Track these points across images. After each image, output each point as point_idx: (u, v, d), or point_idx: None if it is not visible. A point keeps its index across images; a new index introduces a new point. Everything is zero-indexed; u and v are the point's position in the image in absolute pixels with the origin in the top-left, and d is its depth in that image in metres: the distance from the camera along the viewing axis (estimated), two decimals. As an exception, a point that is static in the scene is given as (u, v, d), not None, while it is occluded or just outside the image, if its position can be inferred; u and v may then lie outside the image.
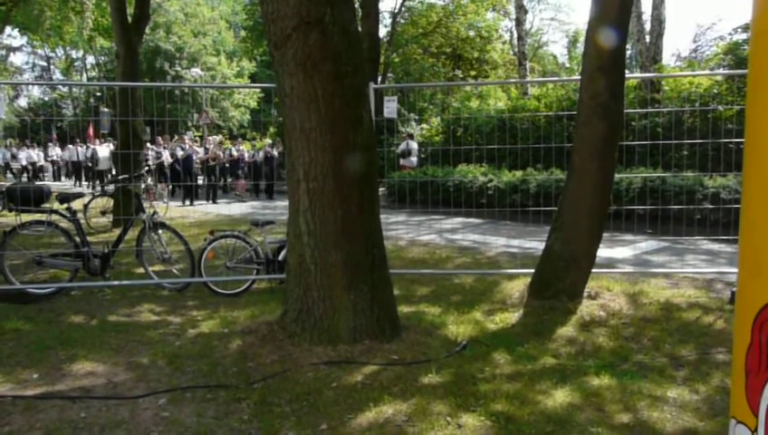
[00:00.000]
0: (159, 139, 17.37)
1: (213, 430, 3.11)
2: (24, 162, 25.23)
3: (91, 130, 22.25)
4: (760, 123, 1.26)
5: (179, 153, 16.56)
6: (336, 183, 4.09)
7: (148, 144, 15.20)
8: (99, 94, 36.66)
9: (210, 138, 19.88)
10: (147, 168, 8.14)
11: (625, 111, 5.53)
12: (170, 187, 16.37)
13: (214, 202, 16.21)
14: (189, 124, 28.47)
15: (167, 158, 16.67)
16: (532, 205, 10.22)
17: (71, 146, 23.85)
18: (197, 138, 21.65)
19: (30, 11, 20.06)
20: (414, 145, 15.64)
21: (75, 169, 23.80)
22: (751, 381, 1.26)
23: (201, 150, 17.76)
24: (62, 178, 26.13)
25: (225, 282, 6.05)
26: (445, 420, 3.16)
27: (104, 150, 18.80)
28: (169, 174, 16.51)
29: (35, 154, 25.69)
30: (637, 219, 7.33)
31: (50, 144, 27.20)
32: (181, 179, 16.07)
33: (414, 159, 15.27)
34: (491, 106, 18.37)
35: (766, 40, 1.24)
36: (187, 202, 15.81)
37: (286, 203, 4.54)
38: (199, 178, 17.82)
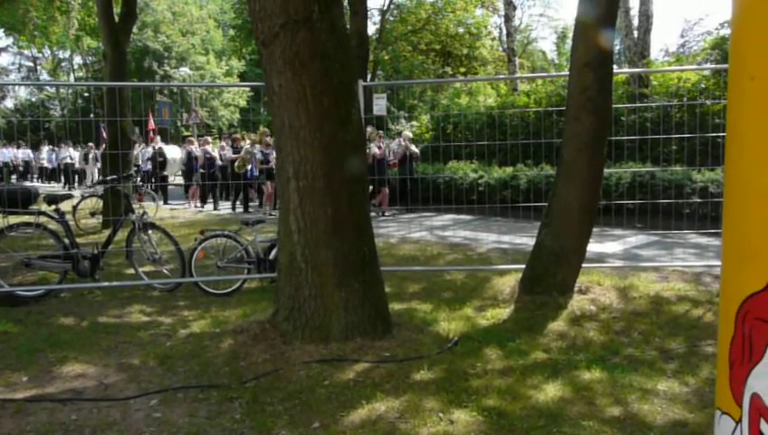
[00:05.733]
0: (265, 137, 13.74)
1: (205, 429, 3.10)
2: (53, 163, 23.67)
3: (151, 124, 18.14)
4: (740, 118, 1.27)
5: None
6: (326, 181, 4.09)
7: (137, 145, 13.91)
8: (87, 95, 36.48)
9: None
10: (135, 168, 8.07)
11: (613, 105, 5.55)
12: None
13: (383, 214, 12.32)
14: (179, 124, 28.20)
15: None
16: (523, 201, 10.24)
17: None
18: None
19: (15, 11, 19.82)
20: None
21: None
22: (735, 372, 1.28)
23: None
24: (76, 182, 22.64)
25: (216, 281, 6.04)
26: (437, 416, 3.17)
27: (174, 150, 14.96)
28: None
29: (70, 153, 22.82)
30: (626, 214, 7.36)
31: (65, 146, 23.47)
32: None
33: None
34: (480, 103, 18.38)
35: (746, 36, 1.25)
36: None
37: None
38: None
